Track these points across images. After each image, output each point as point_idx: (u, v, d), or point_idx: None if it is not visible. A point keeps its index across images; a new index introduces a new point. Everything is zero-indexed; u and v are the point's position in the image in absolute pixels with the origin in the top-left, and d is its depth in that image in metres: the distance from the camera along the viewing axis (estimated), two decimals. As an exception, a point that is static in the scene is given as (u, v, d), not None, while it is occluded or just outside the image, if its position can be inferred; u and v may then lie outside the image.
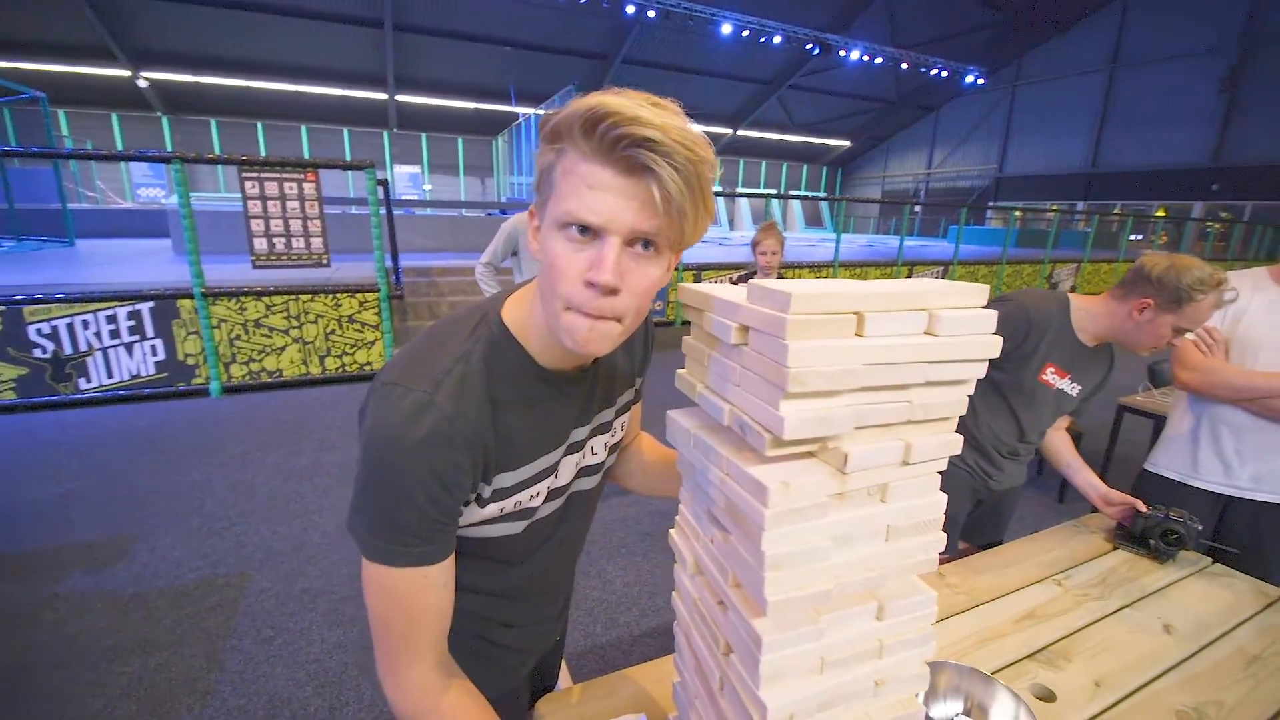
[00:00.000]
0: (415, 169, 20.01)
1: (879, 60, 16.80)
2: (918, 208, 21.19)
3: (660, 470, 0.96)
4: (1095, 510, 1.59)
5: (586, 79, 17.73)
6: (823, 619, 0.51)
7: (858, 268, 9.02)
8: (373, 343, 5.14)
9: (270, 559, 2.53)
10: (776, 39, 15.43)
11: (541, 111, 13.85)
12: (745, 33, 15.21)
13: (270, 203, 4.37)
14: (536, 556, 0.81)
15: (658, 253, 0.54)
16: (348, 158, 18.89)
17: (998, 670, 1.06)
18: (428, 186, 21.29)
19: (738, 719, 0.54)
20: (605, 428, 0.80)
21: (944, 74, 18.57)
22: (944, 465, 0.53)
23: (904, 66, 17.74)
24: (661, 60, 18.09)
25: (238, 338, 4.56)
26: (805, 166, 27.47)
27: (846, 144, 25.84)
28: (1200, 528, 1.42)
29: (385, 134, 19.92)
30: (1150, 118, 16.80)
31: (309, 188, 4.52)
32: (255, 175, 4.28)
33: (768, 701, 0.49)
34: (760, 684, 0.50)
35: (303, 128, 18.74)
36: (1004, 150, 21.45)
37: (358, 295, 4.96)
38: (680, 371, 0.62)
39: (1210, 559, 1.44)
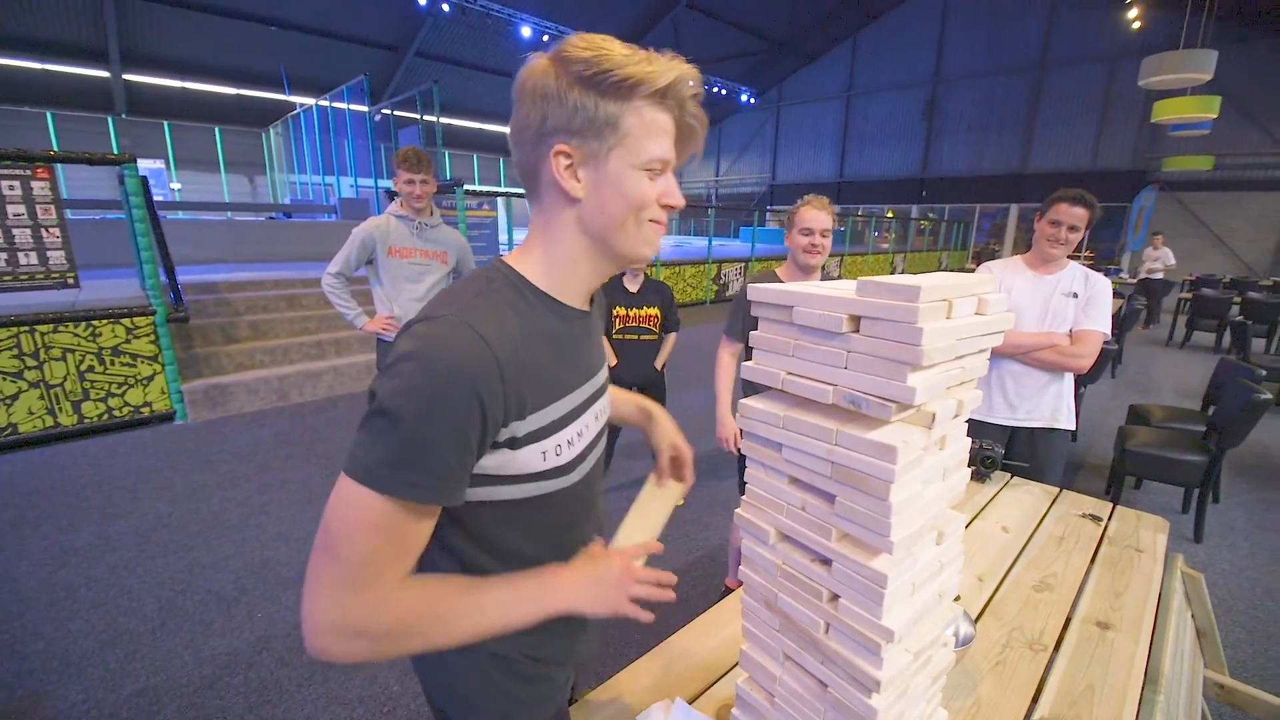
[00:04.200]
0: (157, 163, 16.49)
1: (670, 74, 18.25)
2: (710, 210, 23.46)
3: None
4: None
5: (377, 71, 16.30)
6: (914, 551, 0.63)
7: (675, 265, 9.73)
8: (150, 378, 4.20)
9: (71, 665, 1.97)
10: (576, 46, 15.81)
11: (326, 102, 12.39)
12: (545, 37, 15.32)
13: (-22, 207, 3.32)
14: (577, 528, 0.79)
15: None
16: (54, 148, 14.88)
17: (918, 586, 1.32)
18: (175, 185, 17.69)
19: (854, 651, 0.63)
20: (604, 386, 0.82)
21: (723, 92, 20.79)
22: (968, 415, 0.68)
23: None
24: (460, 58, 17.37)
25: (-62, 389, 3.39)
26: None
27: (645, 150, 27.52)
28: (1002, 452, 1.89)
29: (110, 120, 16.04)
30: (879, 137, 20.77)
31: (39, 187, 3.52)
32: (-50, 171, 3.21)
33: (891, 625, 0.59)
34: (884, 614, 0.59)
35: (-22, 109, 14.23)
36: (774, 161, 24.72)
37: (124, 321, 4.01)
38: (749, 364, 0.69)
39: (1009, 474, 1.92)
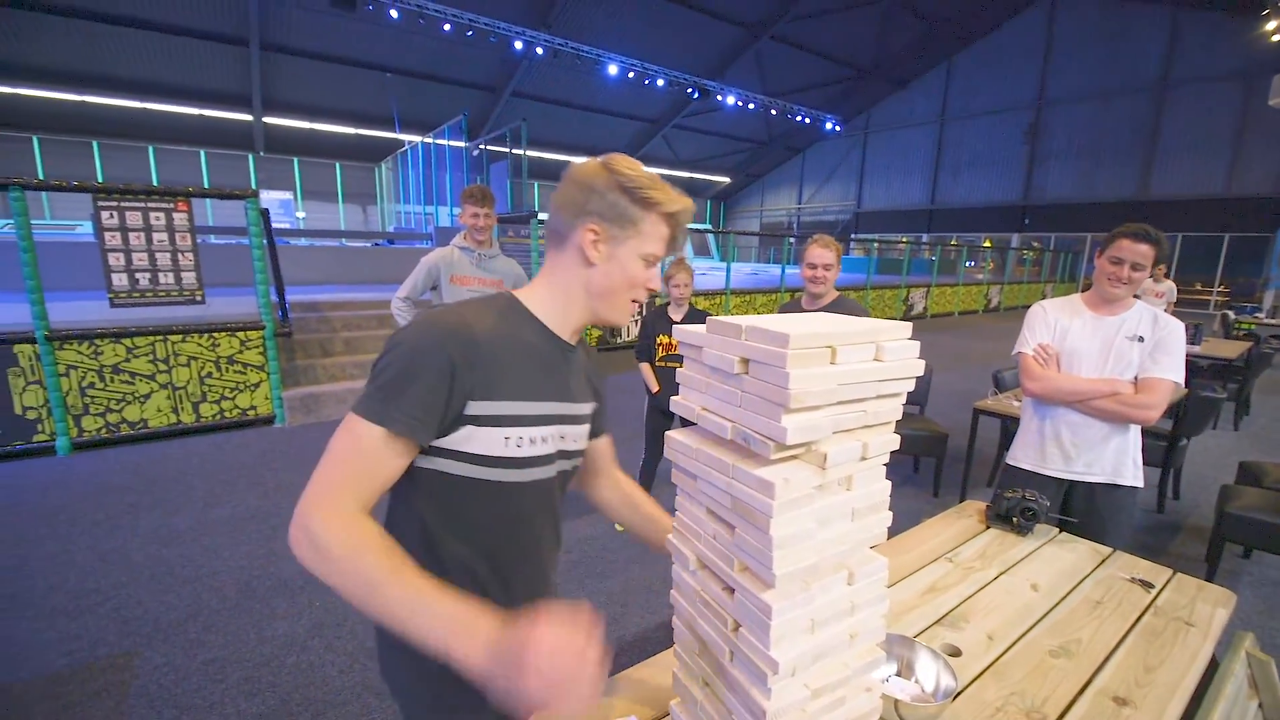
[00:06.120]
0: (286, 195, 18.60)
1: (751, 105, 18.34)
2: (792, 239, 23.15)
3: (630, 506, 1.11)
4: (963, 499, 1.90)
5: (476, 109, 17.62)
6: (811, 587, 0.65)
7: (747, 294, 9.68)
8: (257, 385, 4.73)
9: (160, 632, 2.26)
10: (660, 82, 16.38)
11: (430, 140, 13.60)
12: (631, 74, 15.98)
13: (133, 234, 3.94)
14: (527, 526, 0.89)
15: None
16: (205, 182, 17.22)
17: (915, 635, 1.26)
18: (301, 214, 19.87)
19: (750, 680, 0.65)
20: (580, 420, 0.93)
21: (807, 120, 20.61)
22: (887, 459, 0.69)
23: (773, 112, 19.49)
24: (551, 96, 18.44)
25: (91, 385, 4.01)
26: (691, 200, 29.02)
27: (727, 180, 27.67)
28: (1049, 504, 1.75)
29: (250, 157, 18.37)
30: (974, 163, 19.75)
31: (180, 218, 4.14)
32: (114, 205, 3.85)
33: (778, 657, 0.61)
34: (771, 645, 0.62)
35: (149, 148, 16.80)
36: (860, 188, 24.08)
37: (239, 334, 4.57)
38: (675, 398, 0.74)
39: (1058, 529, 1.78)
